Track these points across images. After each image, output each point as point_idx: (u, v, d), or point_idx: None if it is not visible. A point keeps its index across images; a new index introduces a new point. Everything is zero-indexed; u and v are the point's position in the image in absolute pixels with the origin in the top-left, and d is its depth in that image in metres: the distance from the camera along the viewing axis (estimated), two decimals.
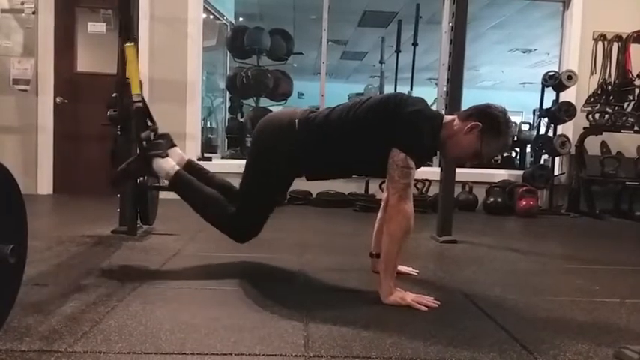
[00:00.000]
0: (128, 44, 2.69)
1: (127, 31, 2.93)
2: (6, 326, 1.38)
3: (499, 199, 4.94)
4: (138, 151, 2.41)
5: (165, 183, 2.37)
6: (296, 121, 1.99)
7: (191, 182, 2.25)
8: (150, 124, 2.68)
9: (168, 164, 2.25)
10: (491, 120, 1.85)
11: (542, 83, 5.22)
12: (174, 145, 2.44)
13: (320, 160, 2.03)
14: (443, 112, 2.77)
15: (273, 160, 2.05)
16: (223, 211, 2.17)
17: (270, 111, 5.39)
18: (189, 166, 2.38)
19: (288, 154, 2.01)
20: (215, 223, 2.23)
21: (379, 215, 2.24)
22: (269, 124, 2.10)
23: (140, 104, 2.65)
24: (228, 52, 6.03)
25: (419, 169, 1.86)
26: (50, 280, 1.98)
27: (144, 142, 2.36)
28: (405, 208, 1.79)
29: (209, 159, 5.23)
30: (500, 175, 5.40)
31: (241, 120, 5.75)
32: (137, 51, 2.79)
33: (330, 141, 1.96)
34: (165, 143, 2.35)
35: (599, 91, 5.27)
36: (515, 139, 6.78)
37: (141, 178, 2.71)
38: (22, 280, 1.45)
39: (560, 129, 5.26)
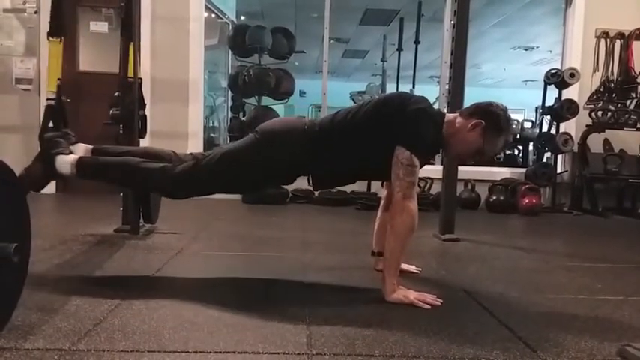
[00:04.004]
0: (52, 39, 2.61)
1: (127, 30, 2.94)
2: (10, 325, 1.39)
3: (501, 197, 4.93)
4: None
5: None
6: (305, 126, 1.96)
7: (97, 160, 2.10)
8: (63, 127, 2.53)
9: (70, 158, 2.07)
10: (493, 118, 1.88)
11: (544, 81, 5.22)
12: (78, 142, 2.23)
13: (328, 164, 1.95)
14: (445, 110, 2.78)
15: (265, 163, 1.94)
16: (148, 168, 2.00)
17: (273, 110, 5.41)
18: (97, 152, 2.20)
19: (295, 156, 1.93)
20: (147, 181, 2.07)
21: (379, 214, 2.25)
22: (279, 126, 2.01)
23: (52, 102, 2.57)
24: (230, 51, 6.03)
25: (422, 168, 1.87)
26: (53, 278, 1.98)
27: (45, 143, 2.17)
28: (410, 206, 1.79)
29: None
30: (502, 173, 5.40)
31: (243, 119, 5.74)
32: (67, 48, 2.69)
33: (337, 144, 1.92)
34: (65, 141, 2.16)
35: (601, 89, 5.26)
36: (518, 136, 6.79)
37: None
38: (26, 278, 1.46)
39: (563, 127, 5.26)
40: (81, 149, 2.18)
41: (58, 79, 2.71)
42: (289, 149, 1.92)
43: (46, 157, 2.10)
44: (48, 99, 2.59)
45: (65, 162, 2.06)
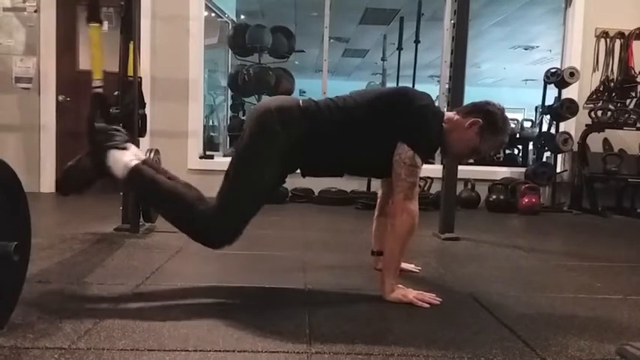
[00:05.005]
0: (92, 24, 2.53)
1: (127, 28, 2.93)
2: (10, 323, 1.39)
3: (501, 197, 4.93)
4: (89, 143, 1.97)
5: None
6: (300, 106, 1.85)
7: (154, 176, 1.85)
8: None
9: (127, 156, 1.86)
10: (490, 117, 1.87)
11: (544, 80, 5.21)
12: (130, 141, 1.99)
13: (320, 149, 1.86)
14: (445, 110, 2.77)
15: (273, 144, 1.80)
16: (195, 207, 1.80)
17: None
18: (146, 164, 1.94)
19: (292, 138, 1.81)
20: (185, 223, 1.86)
21: (376, 213, 2.25)
22: (273, 104, 1.86)
23: (100, 90, 2.48)
24: (230, 50, 6.03)
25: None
26: (53, 277, 1.99)
27: (98, 133, 1.95)
28: (410, 207, 1.78)
29: (211, 157, 5.24)
30: (502, 172, 5.40)
31: (243, 118, 5.74)
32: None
33: (332, 128, 1.83)
34: (122, 134, 1.95)
35: (601, 88, 5.26)
36: (518, 136, 6.80)
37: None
38: (26, 277, 1.46)
39: (563, 126, 5.25)
40: (132, 151, 1.92)
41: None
42: (287, 122, 1.80)
43: (98, 150, 1.87)
44: (94, 87, 2.50)
45: (120, 161, 1.84)
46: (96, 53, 2.55)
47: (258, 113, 1.86)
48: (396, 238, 1.81)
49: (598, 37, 5.27)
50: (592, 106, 5.15)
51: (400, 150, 1.78)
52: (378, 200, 2.25)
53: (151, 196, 1.93)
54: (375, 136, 1.83)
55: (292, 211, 4.38)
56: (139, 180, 1.86)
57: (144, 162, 1.92)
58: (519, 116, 9.79)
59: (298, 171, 1.96)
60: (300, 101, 1.87)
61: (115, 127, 2.03)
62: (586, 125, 5.08)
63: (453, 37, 3.20)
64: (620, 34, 5.24)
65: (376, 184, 4.87)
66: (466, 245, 3.03)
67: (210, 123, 7.21)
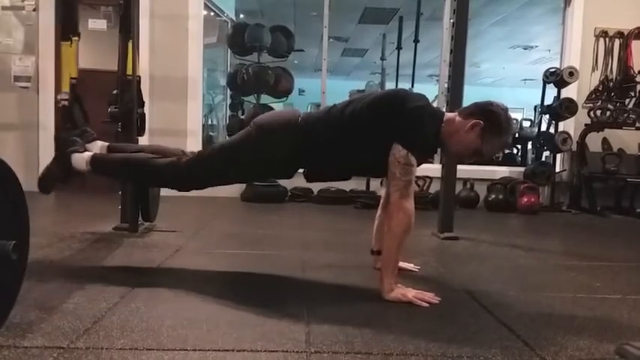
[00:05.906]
0: (64, 42, 2.80)
1: (126, 27, 2.94)
2: (8, 323, 1.38)
3: (500, 196, 4.94)
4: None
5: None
6: (299, 118, 1.97)
7: (109, 156, 2.27)
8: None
9: (86, 155, 2.22)
10: (492, 118, 1.85)
11: (543, 80, 5.22)
12: (96, 139, 2.38)
13: (322, 157, 1.96)
14: (444, 109, 2.78)
15: (272, 156, 1.97)
16: (162, 160, 2.10)
17: (272, 108, 5.41)
18: (112, 149, 2.35)
19: (290, 149, 1.93)
20: (156, 176, 2.18)
21: (378, 212, 2.25)
22: (273, 120, 2.03)
23: (66, 103, 2.68)
24: (229, 49, 6.02)
25: (420, 166, 1.86)
26: (52, 276, 1.98)
27: (61, 142, 2.33)
28: (406, 205, 1.79)
29: None
30: (501, 171, 5.40)
31: (242, 117, 5.73)
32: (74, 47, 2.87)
33: (332, 136, 1.91)
34: (82, 139, 2.31)
35: (600, 88, 5.27)
36: (517, 135, 6.80)
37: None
38: (24, 276, 1.46)
39: (562, 126, 5.26)
40: (97, 146, 2.33)
41: (74, 78, 2.89)
42: (284, 144, 1.93)
43: (62, 156, 2.25)
44: (61, 99, 2.71)
45: (80, 159, 2.21)
46: (63, 69, 2.67)
47: (257, 125, 1.98)
48: (392, 237, 1.81)
49: (597, 37, 5.28)
50: (591, 105, 5.15)
51: (395, 150, 1.79)
52: (381, 199, 2.25)
53: (117, 171, 2.29)
54: (373, 139, 1.85)
55: (291, 211, 4.38)
56: (99, 164, 2.21)
57: (108, 148, 2.33)
58: (518, 116, 9.81)
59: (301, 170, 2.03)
60: (299, 117, 1.97)
61: (79, 131, 2.38)
62: (585, 125, 5.09)
63: (452, 37, 3.20)
64: (620, 34, 5.25)
65: (375, 184, 4.89)
66: (465, 245, 3.03)
67: (209, 122, 7.21)
